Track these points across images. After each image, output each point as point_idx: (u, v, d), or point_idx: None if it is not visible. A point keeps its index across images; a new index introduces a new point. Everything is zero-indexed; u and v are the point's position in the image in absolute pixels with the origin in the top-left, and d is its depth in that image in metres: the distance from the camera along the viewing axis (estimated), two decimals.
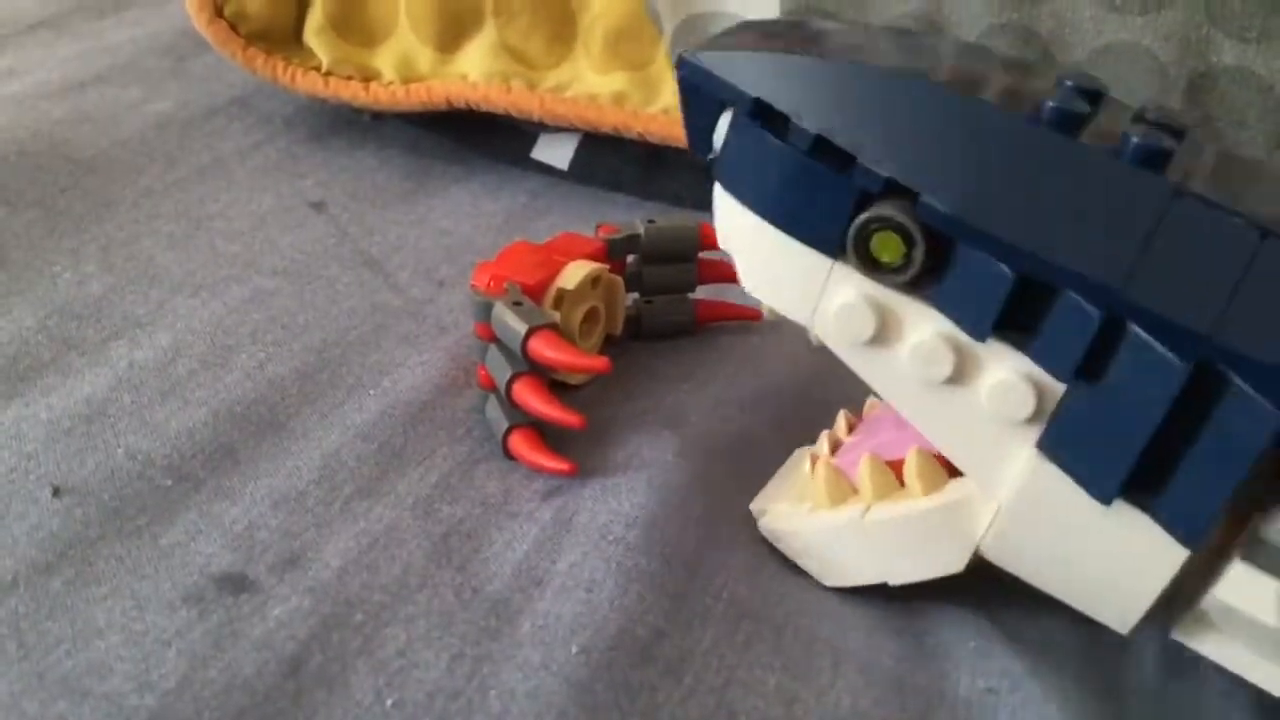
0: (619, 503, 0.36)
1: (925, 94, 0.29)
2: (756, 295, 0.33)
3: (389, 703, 0.30)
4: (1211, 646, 0.30)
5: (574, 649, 0.32)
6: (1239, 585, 0.28)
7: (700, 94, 0.32)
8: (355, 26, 0.57)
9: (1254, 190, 0.29)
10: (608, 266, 0.42)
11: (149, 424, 0.38)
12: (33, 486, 0.35)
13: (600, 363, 0.37)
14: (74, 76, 0.61)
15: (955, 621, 0.35)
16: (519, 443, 0.38)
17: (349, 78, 0.57)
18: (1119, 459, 0.28)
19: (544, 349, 0.37)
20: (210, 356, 0.41)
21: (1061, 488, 0.29)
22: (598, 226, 0.44)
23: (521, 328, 0.37)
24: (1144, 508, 0.28)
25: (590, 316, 0.42)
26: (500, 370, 0.38)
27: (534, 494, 0.37)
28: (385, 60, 0.57)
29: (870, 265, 0.30)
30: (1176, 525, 0.28)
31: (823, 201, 0.30)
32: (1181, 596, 0.30)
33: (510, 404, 0.38)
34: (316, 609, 0.32)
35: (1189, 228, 0.26)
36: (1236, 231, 0.26)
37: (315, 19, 0.57)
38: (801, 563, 0.36)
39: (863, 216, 0.29)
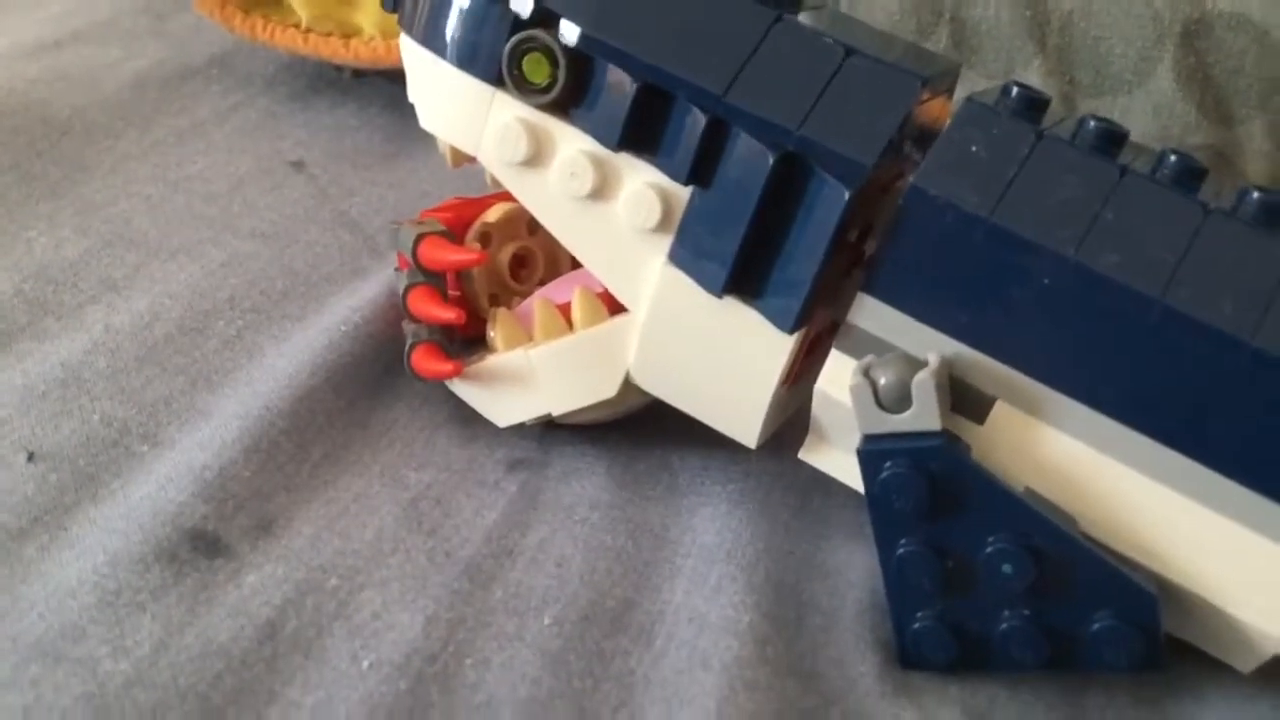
0: (582, 486, 0.37)
1: None
2: (432, 130, 0.36)
3: (365, 664, 0.30)
4: (829, 460, 0.33)
5: (546, 620, 0.32)
6: (833, 374, 0.32)
7: None
8: None
9: (849, 31, 0.34)
10: None
11: (125, 389, 0.38)
12: (6, 451, 0.35)
13: (474, 256, 0.37)
14: (50, 35, 0.61)
15: None
16: (421, 357, 0.37)
17: (329, 34, 0.56)
18: (726, 250, 0.32)
19: (433, 250, 0.37)
20: (188, 322, 0.41)
21: (686, 292, 0.33)
22: None
23: (413, 233, 0.37)
24: (749, 302, 0.32)
25: (525, 261, 0.41)
26: (400, 286, 0.38)
27: (498, 464, 0.37)
28: (366, 16, 0.56)
29: (523, 87, 0.34)
30: (775, 311, 0.32)
31: (484, 33, 0.34)
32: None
33: (409, 316, 0.38)
34: (290, 575, 0.32)
35: (788, 45, 0.31)
36: (827, 49, 0.31)
37: None
38: (477, 404, 0.38)
39: (514, 38, 0.33)
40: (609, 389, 0.35)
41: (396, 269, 0.39)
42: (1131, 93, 0.48)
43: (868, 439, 0.30)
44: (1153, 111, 0.47)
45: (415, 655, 0.31)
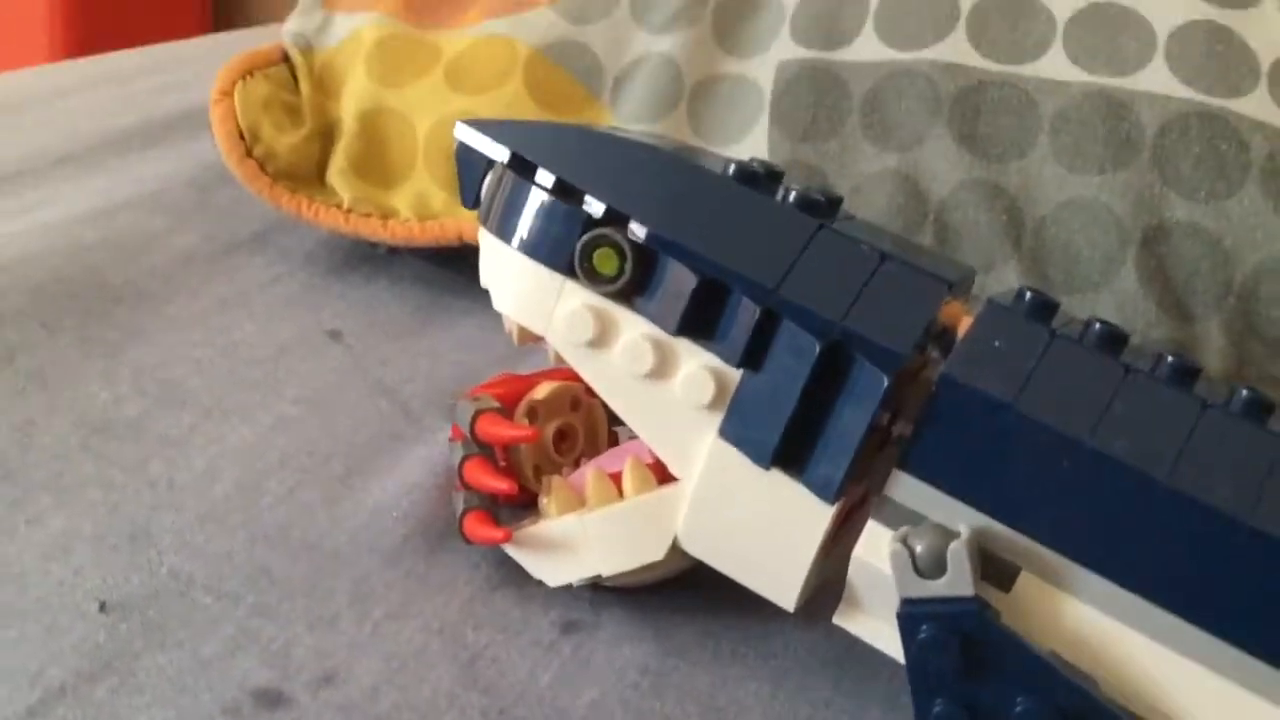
0: (632, 651, 0.38)
1: (637, 149, 0.38)
2: (505, 312, 0.39)
3: None
4: (862, 625, 0.35)
5: None
6: (870, 542, 0.34)
7: (471, 153, 0.40)
8: (375, 168, 0.60)
9: (879, 237, 0.37)
10: (585, 388, 0.44)
11: (190, 545, 0.40)
12: (80, 600, 0.37)
13: (528, 433, 0.40)
14: (103, 205, 0.64)
15: None
16: (473, 523, 0.40)
17: (368, 215, 0.59)
18: (773, 427, 0.35)
19: (489, 426, 0.40)
20: (244, 480, 0.43)
21: (735, 464, 0.36)
22: None
23: (471, 408, 0.40)
24: (793, 474, 0.35)
25: (567, 436, 0.44)
26: (455, 457, 0.40)
27: (552, 625, 0.39)
28: (402, 199, 0.60)
29: (592, 277, 0.37)
30: (817, 482, 0.35)
31: (557, 228, 0.37)
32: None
33: (463, 484, 0.40)
34: None
35: (830, 249, 0.35)
36: (864, 254, 0.35)
37: (338, 161, 0.60)
38: (530, 566, 0.40)
39: (587, 235, 0.36)
40: (657, 552, 0.38)
41: (450, 440, 0.42)
42: (1099, 290, 0.51)
43: (905, 603, 0.32)
44: (1117, 308, 0.50)
45: None
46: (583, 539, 0.39)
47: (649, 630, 0.39)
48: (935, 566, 0.32)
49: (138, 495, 0.42)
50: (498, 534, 0.39)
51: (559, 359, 0.39)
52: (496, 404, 0.41)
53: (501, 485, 0.39)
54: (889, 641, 0.34)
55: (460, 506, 0.40)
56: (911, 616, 0.32)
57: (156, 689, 0.34)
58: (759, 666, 0.39)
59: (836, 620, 0.36)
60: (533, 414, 0.42)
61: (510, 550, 0.40)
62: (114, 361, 0.50)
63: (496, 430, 0.40)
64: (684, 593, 0.40)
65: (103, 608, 0.37)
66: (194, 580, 0.38)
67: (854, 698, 0.38)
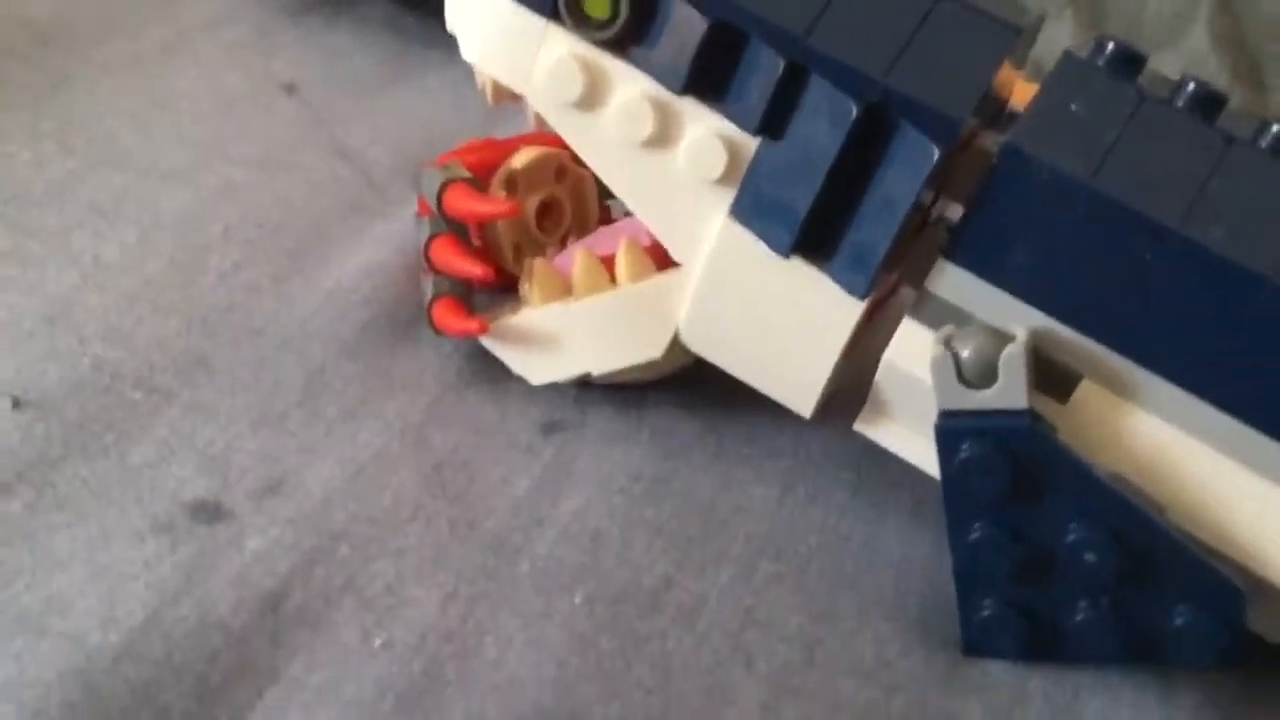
0: (624, 455, 0.34)
1: None
2: (475, 63, 0.34)
3: (377, 643, 0.28)
4: (888, 434, 0.31)
5: (577, 598, 0.30)
6: (904, 344, 0.30)
7: None
8: None
9: None
10: (572, 155, 0.38)
11: (118, 330, 0.35)
12: None
13: (506, 207, 0.35)
14: None
15: None
16: (443, 311, 0.35)
17: None
18: (796, 208, 0.29)
19: (459, 199, 0.34)
20: (181, 255, 0.38)
21: (747, 250, 0.31)
22: None
23: (439, 177, 0.35)
24: (818, 264, 0.30)
25: (551, 212, 0.39)
26: (422, 235, 0.36)
27: (531, 425, 0.35)
28: None
29: (580, 21, 0.31)
30: (846, 275, 0.30)
31: None
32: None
33: (431, 267, 0.35)
34: (298, 542, 0.30)
35: None
36: None
37: None
38: (510, 360, 0.36)
39: None
40: (655, 349, 0.33)
41: (417, 215, 0.36)
42: (1163, 51, 0.47)
43: (945, 415, 0.28)
44: (1183, 71, 0.46)
45: (431, 633, 0.29)
46: (570, 332, 0.34)
47: (643, 430, 0.35)
48: (984, 374, 0.28)
49: (59, 272, 0.37)
50: (470, 325, 0.35)
51: (540, 122, 0.33)
52: (468, 174, 0.35)
53: (474, 269, 0.34)
54: (918, 452, 0.31)
55: (429, 293, 0.35)
56: (952, 431, 0.28)
57: (78, 502, 0.30)
58: (766, 469, 0.35)
59: (858, 427, 0.32)
60: (511, 185, 0.37)
61: (487, 343, 0.36)
62: (36, 114, 0.44)
63: (468, 204, 0.34)
64: (682, 389, 0.36)
65: (15, 404, 0.32)
66: (121, 372, 0.34)
67: (873, 506, 0.34)
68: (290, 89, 0.49)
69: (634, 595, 0.30)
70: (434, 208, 0.35)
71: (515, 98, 0.33)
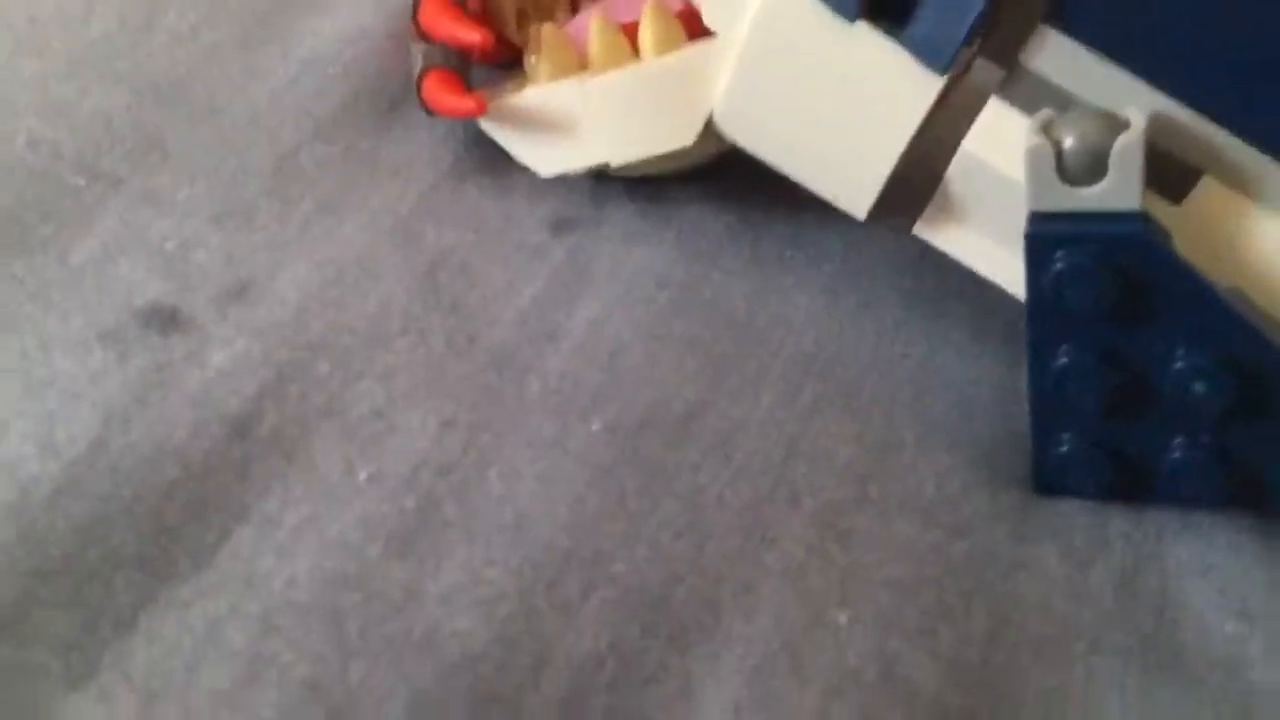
0: (647, 257, 0.31)
1: None
2: None
3: (363, 476, 0.25)
4: (954, 239, 0.28)
5: (595, 424, 0.27)
6: (989, 130, 0.26)
7: None
8: None
9: None
10: None
11: (56, 103, 0.32)
12: None
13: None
14: None
15: None
16: (434, 87, 0.32)
17: None
18: None
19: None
20: (130, 13, 0.35)
21: (802, 13, 0.27)
22: None
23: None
24: (889, 30, 0.26)
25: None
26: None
27: (540, 223, 0.31)
28: None
29: None
30: (925, 45, 0.26)
31: None
32: None
33: (420, 34, 0.32)
34: (270, 355, 0.27)
35: None
36: None
37: None
38: (515, 150, 0.32)
39: None
40: (686, 136, 0.30)
41: None
42: None
43: (1038, 219, 0.24)
44: None
45: (425, 466, 0.26)
46: (584, 113, 0.30)
47: (668, 229, 0.32)
48: (1090, 168, 0.24)
49: None
50: (468, 103, 0.31)
51: None
52: None
53: (472, 35, 0.30)
54: (996, 262, 0.27)
55: (418, 64, 0.32)
56: (1047, 237, 0.24)
57: (11, 307, 0.27)
58: (810, 275, 0.31)
59: (920, 232, 0.28)
60: None
61: (486, 126, 0.32)
62: None
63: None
64: (713, 182, 0.32)
65: None
66: (61, 153, 0.30)
67: (933, 320, 0.31)
68: None
69: (661, 421, 0.27)
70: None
71: None
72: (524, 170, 0.32)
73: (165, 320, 0.27)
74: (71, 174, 0.30)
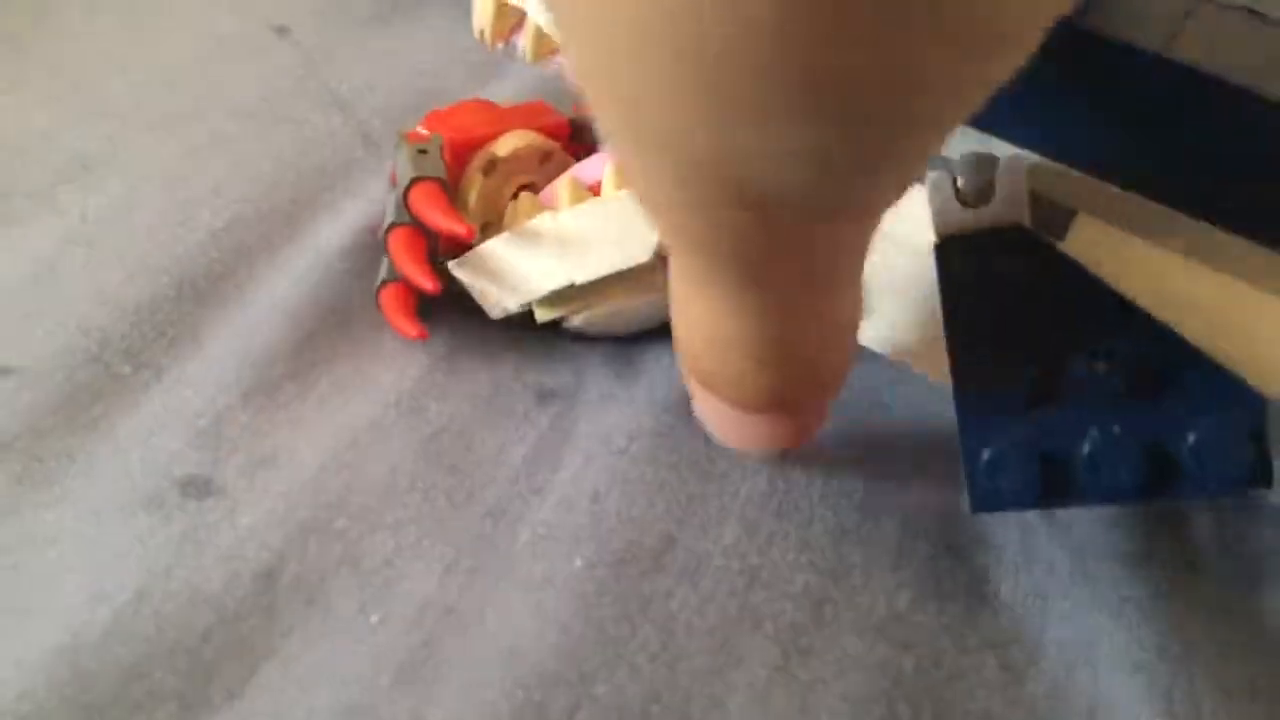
0: (619, 414, 0.33)
1: None
2: None
3: (374, 618, 0.27)
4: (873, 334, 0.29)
5: (578, 562, 0.29)
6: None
7: None
8: None
9: None
10: (561, 145, 0.37)
11: (104, 292, 0.34)
12: None
13: (463, 230, 0.33)
14: None
15: (997, 517, 0.32)
16: (389, 299, 0.33)
17: None
18: None
19: (425, 204, 0.33)
20: (170, 211, 0.37)
21: None
22: (576, 105, 0.39)
23: (409, 169, 0.33)
24: None
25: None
26: (386, 217, 0.34)
27: (527, 391, 0.33)
28: None
29: None
30: None
31: None
32: None
33: (386, 254, 0.34)
34: (292, 514, 0.29)
35: None
36: None
37: None
38: (482, 290, 0.34)
39: None
40: (643, 252, 0.31)
41: (390, 182, 0.35)
42: None
43: (943, 241, 0.27)
44: None
45: (430, 607, 0.27)
46: (553, 238, 0.32)
47: (638, 387, 0.34)
48: (982, 191, 0.26)
49: (44, 227, 0.35)
50: (411, 330, 0.33)
51: (537, 42, 0.32)
52: (439, 174, 0.33)
53: (427, 284, 0.32)
54: (906, 340, 0.29)
55: (380, 275, 0.34)
56: (951, 250, 0.27)
57: (67, 479, 0.29)
58: None
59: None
60: (490, 169, 0.35)
61: (459, 272, 0.34)
62: (20, 64, 0.42)
63: (431, 213, 0.33)
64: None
65: (1, 371, 0.31)
66: (109, 340, 0.32)
67: (876, 458, 0.33)
68: (283, 32, 0.47)
69: (636, 556, 0.29)
70: (401, 200, 0.33)
71: (509, 35, 0.31)
72: (512, 346, 0.34)
73: (200, 488, 0.29)
74: (119, 362, 0.32)
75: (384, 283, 0.33)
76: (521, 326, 0.34)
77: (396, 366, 0.33)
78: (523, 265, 0.33)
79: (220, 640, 0.26)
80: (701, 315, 0.22)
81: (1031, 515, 0.31)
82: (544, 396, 0.33)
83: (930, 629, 0.28)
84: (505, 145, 0.35)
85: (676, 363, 0.33)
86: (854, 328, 0.25)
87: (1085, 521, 0.31)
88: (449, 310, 0.35)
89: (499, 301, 0.34)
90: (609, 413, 0.33)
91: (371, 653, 0.26)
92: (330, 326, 0.34)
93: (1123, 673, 0.28)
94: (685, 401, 0.33)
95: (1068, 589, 0.30)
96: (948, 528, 0.31)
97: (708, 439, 0.32)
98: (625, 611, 0.28)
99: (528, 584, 0.28)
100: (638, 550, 0.29)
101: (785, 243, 0.18)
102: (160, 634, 0.26)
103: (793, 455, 0.32)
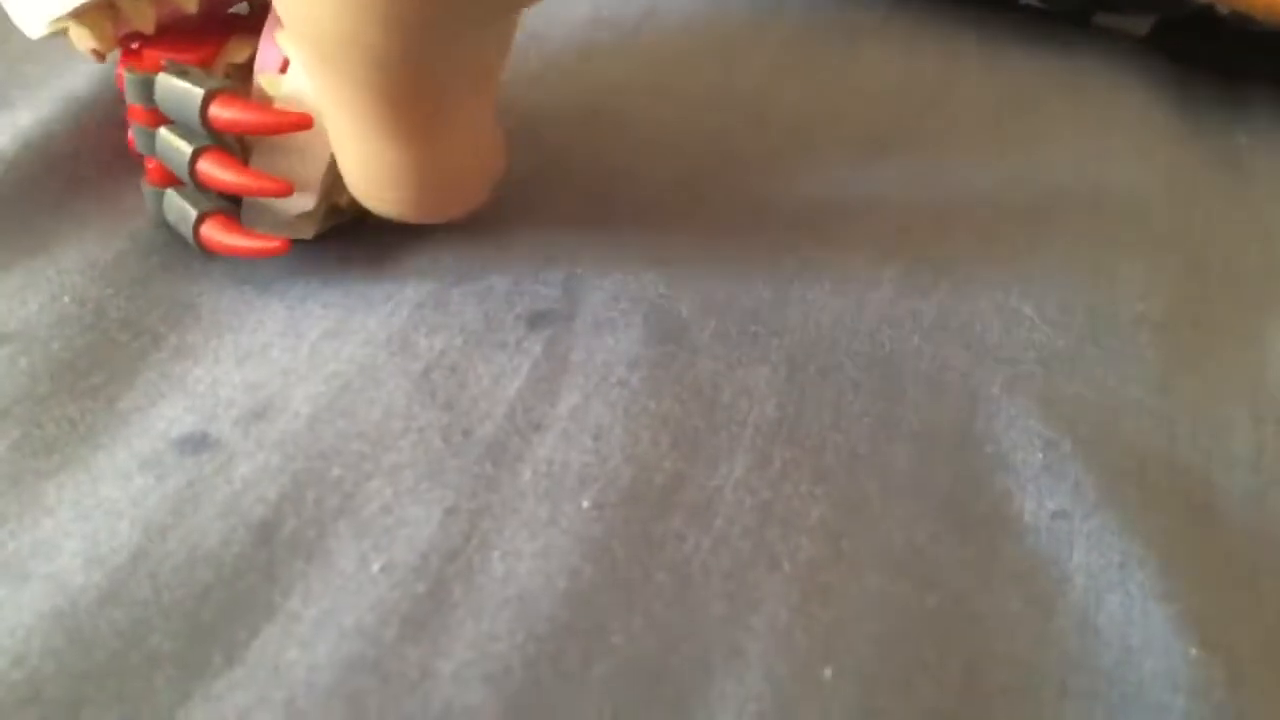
0: (616, 341, 0.32)
1: None
2: None
3: (376, 567, 0.26)
4: None
5: (585, 503, 0.28)
6: None
7: None
8: None
9: None
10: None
11: (96, 265, 0.33)
12: None
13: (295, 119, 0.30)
14: None
15: (1021, 429, 0.30)
16: (215, 230, 0.32)
17: None
18: None
19: (225, 111, 0.30)
20: None
21: None
22: None
23: (198, 92, 0.30)
24: None
25: None
26: (177, 153, 0.31)
27: (518, 319, 0.32)
28: None
29: None
30: None
31: None
32: None
33: (197, 186, 0.32)
34: (287, 465, 0.28)
35: None
36: None
37: None
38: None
39: None
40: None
41: (133, 122, 0.33)
42: None
43: None
44: None
45: (433, 553, 0.26)
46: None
47: (635, 314, 0.33)
48: None
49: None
50: (272, 244, 0.32)
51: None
52: (225, 80, 0.31)
53: (269, 244, 0.31)
54: None
55: (190, 211, 0.32)
56: None
57: (67, 447, 0.29)
58: (770, 346, 0.32)
59: None
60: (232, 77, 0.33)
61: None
62: None
63: (248, 117, 0.30)
64: (677, 267, 0.34)
65: None
66: (103, 309, 0.32)
67: (889, 379, 0.31)
68: None
69: (645, 495, 0.28)
70: (197, 124, 0.31)
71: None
72: (500, 275, 0.33)
73: (196, 443, 0.28)
74: (116, 331, 0.31)
75: (201, 216, 0.32)
76: (508, 249, 0.34)
77: (386, 308, 0.33)
78: None
79: (219, 600, 0.25)
80: (360, 148, 0.27)
81: (1053, 429, 0.30)
82: (535, 321, 0.32)
83: (952, 563, 0.27)
84: (238, 52, 0.33)
85: None
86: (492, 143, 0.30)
87: (1108, 436, 0.30)
88: (436, 241, 0.34)
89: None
90: (605, 340, 0.32)
91: (374, 604, 0.25)
92: (321, 287, 0.33)
93: (1155, 600, 0.26)
94: (686, 329, 0.32)
95: (1093, 509, 0.28)
96: (965, 453, 0.29)
97: (712, 365, 0.31)
98: (637, 554, 0.27)
99: (534, 526, 0.27)
100: (646, 489, 0.28)
101: (408, 85, 0.25)
102: (158, 596, 0.25)
103: (803, 375, 0.31)
